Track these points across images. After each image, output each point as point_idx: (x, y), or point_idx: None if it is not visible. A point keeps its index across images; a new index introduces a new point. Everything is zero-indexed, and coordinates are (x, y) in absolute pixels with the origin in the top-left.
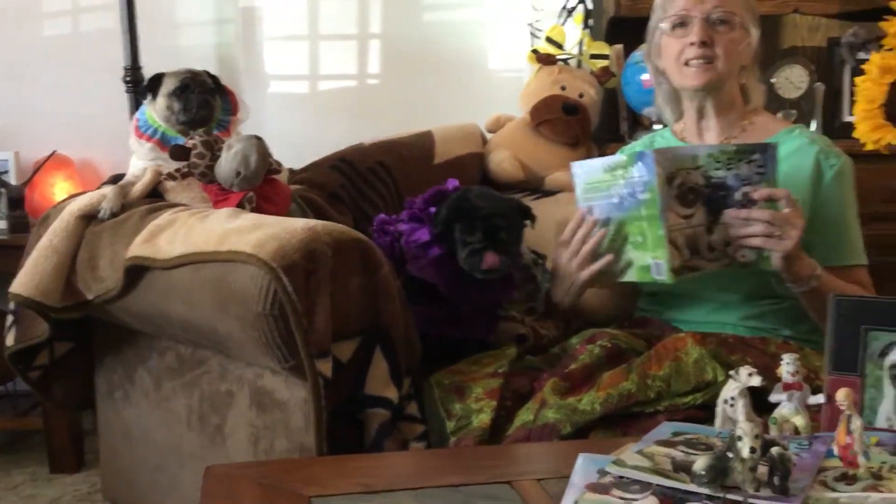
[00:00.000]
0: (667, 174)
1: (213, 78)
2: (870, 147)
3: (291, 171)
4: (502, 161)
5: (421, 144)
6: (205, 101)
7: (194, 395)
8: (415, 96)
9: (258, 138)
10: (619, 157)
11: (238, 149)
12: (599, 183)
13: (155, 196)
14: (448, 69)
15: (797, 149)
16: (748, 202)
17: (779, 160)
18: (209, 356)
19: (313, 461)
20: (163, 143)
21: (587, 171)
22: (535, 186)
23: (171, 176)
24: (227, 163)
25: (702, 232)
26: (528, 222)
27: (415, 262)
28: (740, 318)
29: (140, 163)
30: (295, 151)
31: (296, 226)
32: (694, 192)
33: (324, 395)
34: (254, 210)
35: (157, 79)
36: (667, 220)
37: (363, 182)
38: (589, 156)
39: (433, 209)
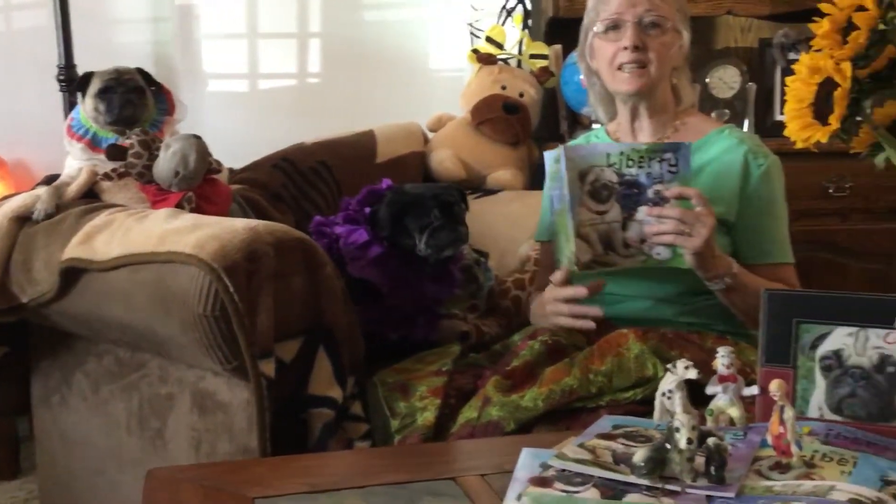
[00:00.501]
0: (579, 171)
1: (146, 77)
2: (800, 145)
3: (231, 170)
4: (444, 160)
5: (363, 144)
6: (127, 101)
7: (133, 399)
8: (356, 95)
9: (197, 137)
10: (557, 150)
11: (177, 148)
12: (553, 174)
13: (91, 197)
14: (389, 68)
15: (727, 148)
16: (660, 200)
17: (710, 159)
18: (149, 359)
19: (257, 462)
20: (93, 143)
21: (550, 162)
22: (477, 185)
23: (107, 176)
24: (166, 162)
25: (616, 228)
26: (464, 204)
27: (354, 263)
28: (678, 313)
29: (75, 163)
30: (234, 151)
31: (237, 226)
32: (607, 189)
33: (267, 395)
34: (193, 210)
35: (87, 78)
36: (577, 214)
37: (305, 182)
38: (530, 154)
39: (368, 209)
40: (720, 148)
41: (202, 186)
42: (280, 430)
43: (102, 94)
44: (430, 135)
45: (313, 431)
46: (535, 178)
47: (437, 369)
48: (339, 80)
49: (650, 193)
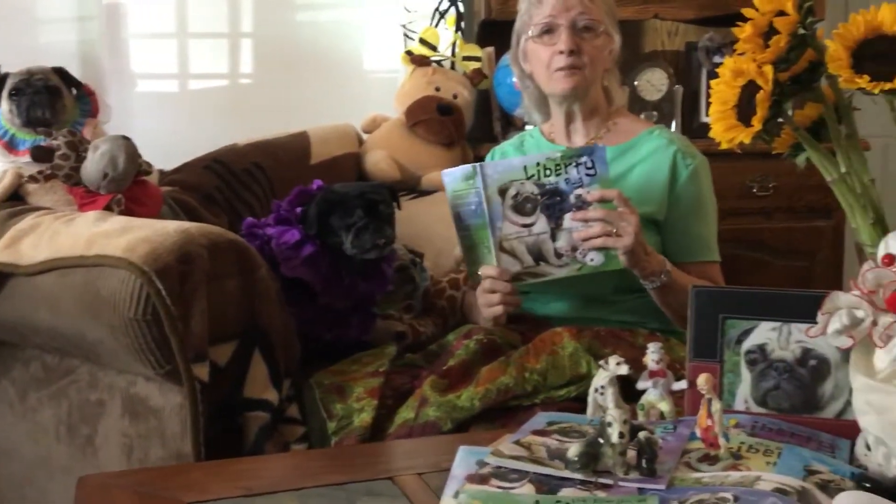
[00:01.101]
0: (499, 186)
1: (66, 77)
2: (724, 146)
3: (162, 172)
4: (379, 161)
5: (296, 145)
6: (34, 102)
7: (62, 406)
8: (289, 96)
9: (126, 138)
10: (469, 167)
11: (105, 149)
12: (461, 191)
13: (16, 199)
14: (322, 69)
15: (656, 148)
16: (583, 204)
17: (641, 159)
18: (77, 365)
19: (191, 467)
20: (11, 145)
21: (452, 180)
22: (412, 186)
23: (33, 178)
24: (94, 164)
25: (546, 239)
26: (395, 204)
27: (287, 263)
28: (611, 312)
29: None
30: (164, 152)
31: (168, 228)
32: (530, 202)
33: (201, 400)
34: (122, 213)
35: (2, 79)
36: (499, 229)
37: (238, 183)
38: (464, 155)
39: (300, 209)
40: (650, 148)
41: (131, 188)
42: (214, 434)
43: (13, 95)
44: (365, 136)
45: (249, 435)
46: None
47: (374, 370)
48: (271, 81)
49: (572, 199)
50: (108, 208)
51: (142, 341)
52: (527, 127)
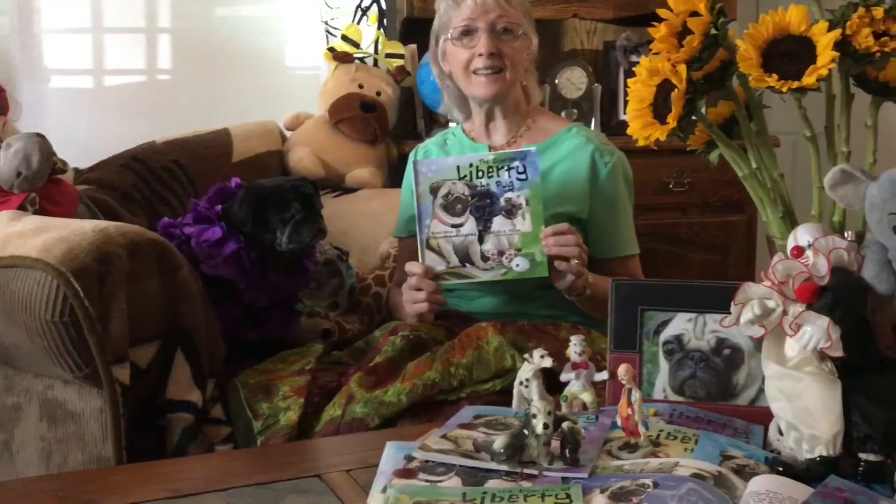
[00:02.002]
0: (431, 184)
1: None
2: (641, 143)
3: (77, 170)
4: (302, 158)
5: (218, 142)
6: None
7: None
8: (209, 93)
9: (40, 136)
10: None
11: (19, 147)
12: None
13: None
14: (243, 65)
15: (575, 147)
16: (513, 208)
17: (560, 158)
18: None
19: (115, 470)
20: None
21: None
22: (336, 183)
23: None
24: (7, 163)
25: (473, 241)
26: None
27: (209, 261)
28: (534, 306)
29: None
30: (80, 150)
31: (85, 228)
32: (461, 202)
33: (122, 402)
34: (37, 212)
35: None
36: (427, 227)
37: (157, 182)
38: (388, 152)
39: (219, 207)
40: (569, 147)
41: (46, 187)
42: (137, 437)
43: None
44: (288, 133)
45: (172, 437)
46: (393, 176)
47: (300, 368)
48: (190, 77)
49: (502, 203)
50: (21, 208)
51: (59, 344)
52: (450, 124)
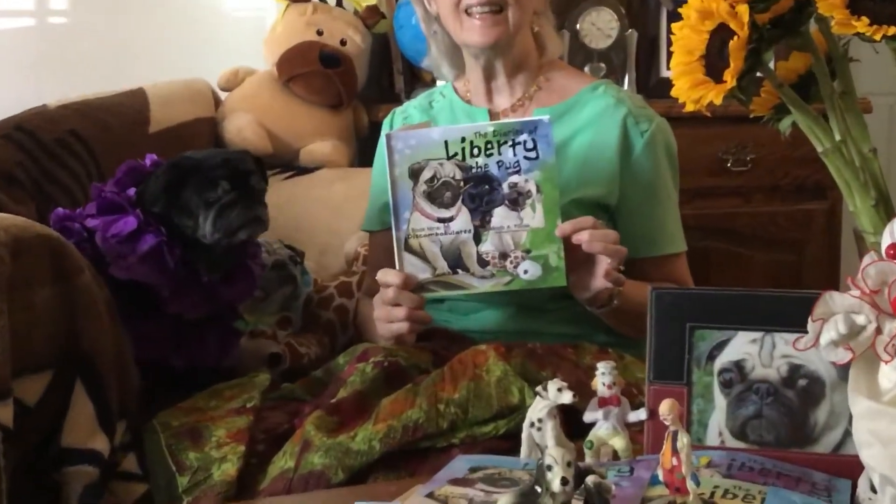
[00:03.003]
0: (411, 165)
1: None
2: (690, 108)
3: None
4: (242, 129)
5: (130, 107)
6: None
7: None
8: (118, 42)
9: None
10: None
11: None
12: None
13: None
14: (165, 6)
15: (602, 111)
16: (519, 197)
17: (579, 128)
18: None
19: None
20: None
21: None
22: (288, 161)
23: None
24: None
25: (467, 240)
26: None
27: (120, 261)
28: (549, 322)
29: None
30: None
31: None
32: (450, 189)
33: (2, 451)
34: None
35: None
36: (406, 221)
37: (49, 158)
38: (356, 119)
39: (132, 191)
40: (594, 110)
41: None
42: (23, 496)
43: None
44: (223, 95)
45: (71, 496)
46: (363, 152)
47: (240, 406)
48: (94, 20)
49: (505, 189)
50: None
51: None
52: (438, 83)
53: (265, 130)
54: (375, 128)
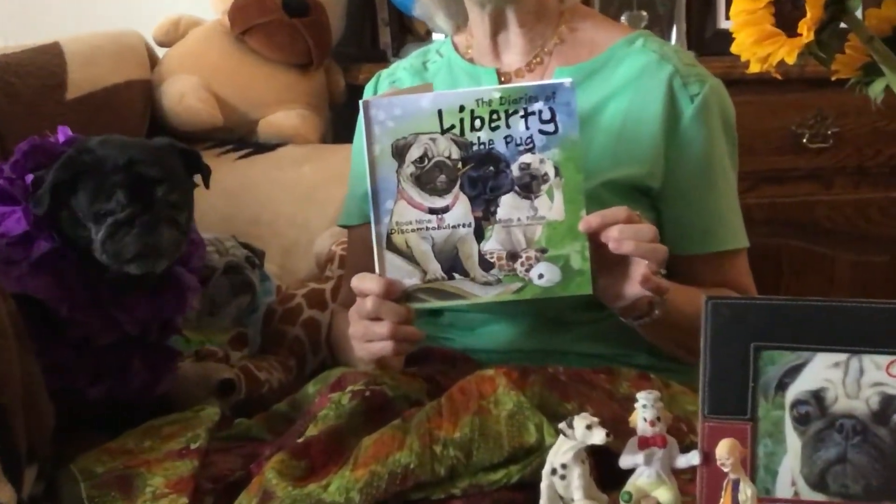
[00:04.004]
0: (395, 141)
1: None
2: (755, 68)
3: None
4: (185, 95)
5: (41, 66)
6: None
7: None
8: None
9: None
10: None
11: None
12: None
13: None
14: None
15: (641, 70)
16: (532, 181)
17: (613, 92)
18: None
19: None
20: None
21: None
22: (243, 136)
23: None
24: None
25: (466, 237)
26: (198, 177)
27: (11, 270)
28: (575, 339)
29: None
30: None
31: None
32: (445, 172)
33: None
34: None
35: None
36: (388, 213)
37: None
38: (329, 82)
39: (32, 178)
40: (631, 69)
41: None
42: None
43: None
44: (161, 52)
45: None
46: (339, 123)
47: (182, 448)
48: None
49: (516, 172)
50: None
51: None
52: (434, 37)
53: (214, 96)
54: (355, 94)
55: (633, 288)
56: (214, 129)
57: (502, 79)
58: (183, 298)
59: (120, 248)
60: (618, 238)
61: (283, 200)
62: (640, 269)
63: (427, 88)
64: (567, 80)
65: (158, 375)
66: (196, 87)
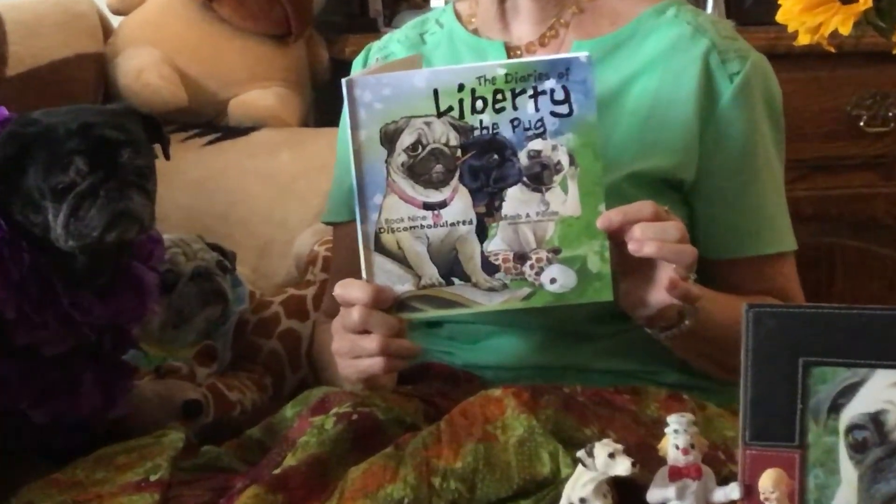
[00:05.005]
0: (384, 125)
1: None
2: (804, 40)
3: None
4: (144, 71)
5: None
6: None
7: None
8: None
9: None
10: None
11: None
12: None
13: None
14: None
15: (673, 45)
16: (543, 171)
17: (639, 69)
18: None
19: None
20: None
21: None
22: (210, 118)
23: None
24: None
25: (467, 235)
26: (157, 147)
27: None
28: (593, 353)
29: None
30: None
31: None
32: (442, 161)
33: None
34: None
35: None
36: (376, 209)
37: None
38: (311, 55)
39: None
40: (661, 42)
41: None
42: None
43: None
44: (116, 21)
45: None
46: (322, 104)
47: (140, 479)
48: None
49: (524, 161)
50: None
51: None
52: (433, 3)
53: (177, 73)
54: (341, 70)
55: (659, 295)
56: (177, 110)
57: (511, 54)
58: (143, 300)
59: (86, 225)
60: (639, 238)
61: (257, 193)
62: (665, 273)
63: (413, 61)
64: (583, 55)
65: (113, 395)
66: (156, 62)
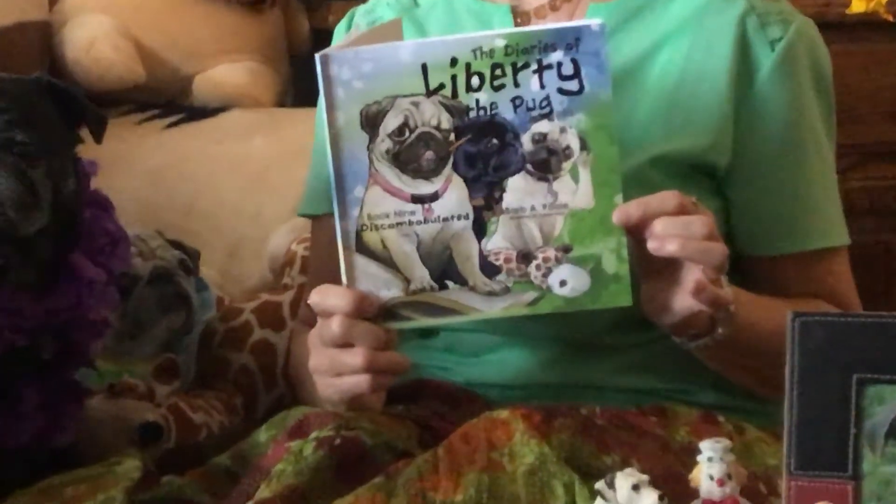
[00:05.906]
0: (365, 106)
1: None
2: (858, 7)
3: None
4: (95, 41)
5: None
6: None
7: None
8: None
9: None
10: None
11: None
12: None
13: None
14: None
15: (703, 7)
16: (550, 157)
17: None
18: None
19: None
20: None
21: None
22: (172, 97)
23: None
24: None
25: (462, 232)
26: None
27: None
28: (615, 369)
29: None
30: None
31: None
32: (432, 146)
33: None
34: None
35: None
36: (357, 203)
37: None
38: (291, 25)
39: None
40: (689, 5)
41: None
42: None
43: None
44: None
45: None
46: (301, 80)
47: None
48: None
49: (527, 145)
50: None
51: None
52: None
53: (134, 44)
54: (322, 40)
55: (684, 299)
56: (135, 87)
57: (519, 20)
58: (80, 296)
59: None
60: (661, 234)
61: (225, 184)
62: (691, 274)
63: (394, 27)
64: (595, 22)
65: (59, 418)
66: (110, 32)
